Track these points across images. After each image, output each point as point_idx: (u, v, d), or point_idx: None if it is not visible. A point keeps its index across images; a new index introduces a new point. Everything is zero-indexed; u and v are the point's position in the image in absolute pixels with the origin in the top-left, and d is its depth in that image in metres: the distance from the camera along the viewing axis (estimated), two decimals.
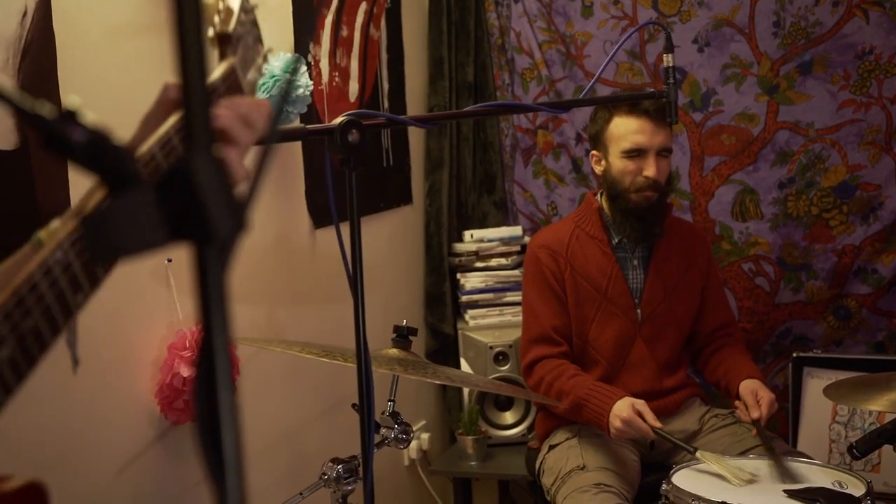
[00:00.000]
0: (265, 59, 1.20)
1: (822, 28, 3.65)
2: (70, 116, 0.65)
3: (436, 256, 4.01)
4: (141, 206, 0.63)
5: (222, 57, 1.10)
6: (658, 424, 2.66)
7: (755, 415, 2.70)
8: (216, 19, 1.11)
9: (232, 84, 1.10)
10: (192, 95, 0.62)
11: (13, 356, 0.74)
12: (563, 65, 4.01)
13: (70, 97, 0.67)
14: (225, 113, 1.01)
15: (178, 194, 0.62)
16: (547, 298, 2.99)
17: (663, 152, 2.91)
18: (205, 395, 0.63)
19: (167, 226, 0.63)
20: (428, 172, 4.04)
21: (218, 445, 0.62)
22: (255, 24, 1.15)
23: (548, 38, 4.01)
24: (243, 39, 1.11)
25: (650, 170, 2.88)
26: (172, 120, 0.96)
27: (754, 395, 2.75)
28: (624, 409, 2.68)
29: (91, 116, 0.66)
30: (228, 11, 1.11)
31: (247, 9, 1.12)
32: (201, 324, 0.62)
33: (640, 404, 2.69)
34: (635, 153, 2.89)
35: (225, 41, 1.10)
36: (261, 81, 2.79)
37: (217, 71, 1.08)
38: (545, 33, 4.01)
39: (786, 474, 2.45)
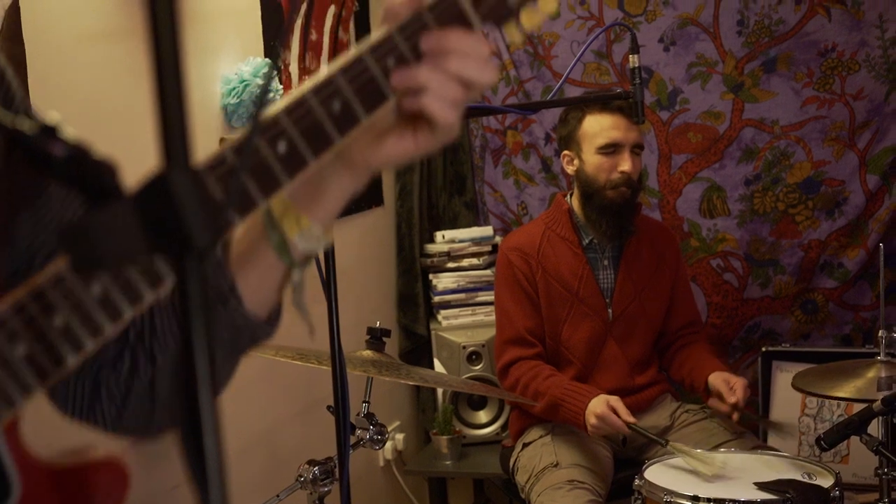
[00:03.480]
0: None
1: (786, 26, 3.70)
2: (50, 132, 0.66)
3: (407, 257, 4.03)
4: (121, 218, 0.64)
5: None
6: (632, 419, 2.69)
7: (732, 400, 2.72)
8: None
9: (447, 11, 0.90)
10: (167, 106, 0.63)
11: (31, 353, 0.78)
12: (531, 65, 4.03)
13: (49, 112, 0.69)
14: (430, 75, 0.89)
15: (156, 207, 0.63)
16: (519, 300, 3.01)
17: (636, 149, 2.94)
18: (186, 402, 0.64)
19: (147, 237, 0.64)
20: (398, 174, 4.06)
21: (200, 453, 0.64)
22: None
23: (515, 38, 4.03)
24: None
25: (626, 164, 2.91)
26: (368, 42, 0.88)
27: (727, 382, 2.77)
28: (598, 405, 2.71)
29: (71, 131, 0.67)
30: None
31: None
32: (183, 333, 0.64)
33: (615, 400, 2.72)
34: (611, 149, 2.92)
35: None
36: (231, 86, 2.81)
37: None
38: None
39: (782, 432, 2.49)
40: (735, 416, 2.76)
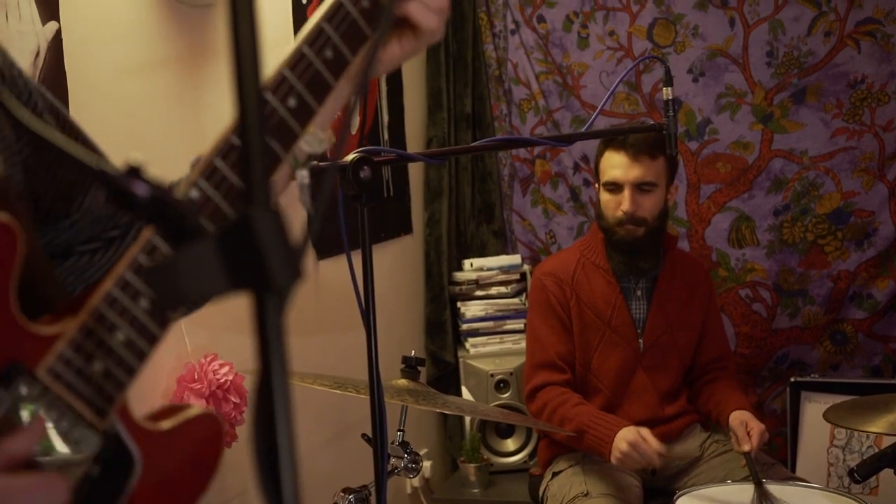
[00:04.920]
0: None
1: (815, 58, 3.72)
2: (133, 172, 0.69)
3: (436, 285, 4.04)
4: (203, 257, 0.66)
5: None
6: (662, 449, 2.68)
7: (746, 447, 2.71)
8: None
9: None
10: (250, 149, 0.66)
11: (129, 338, 0.86)
12: (560, 95, 4.06)
13: (132, 153, 0.71)
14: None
15: (238, 246, 0.66)
16: (552, 325, 3.02)
17: (644, 186, 2.92)
18: (264, 439, 0.66)
19: (228, 276, 0.67)
20: (427, 202, 4.08)
21: (278, 488, 0.66)
22: None
23: (545, 69, 4.07)
24: None
25: (625, 204, 2.91)
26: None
27: (744, 426, 2.76)
28: (630, 433, 2.70)
29: (153, 172, 0.70)
30: None
31: None
32: (260, 368, 0.66)
33: (645, 431, 2.71)
34: (613, 187, 2.93)
35: None
36: None
37: None
38: (542, 64, 4.07)
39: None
40: (742, 464, 2.74)
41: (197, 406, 0.98)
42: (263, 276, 0.65)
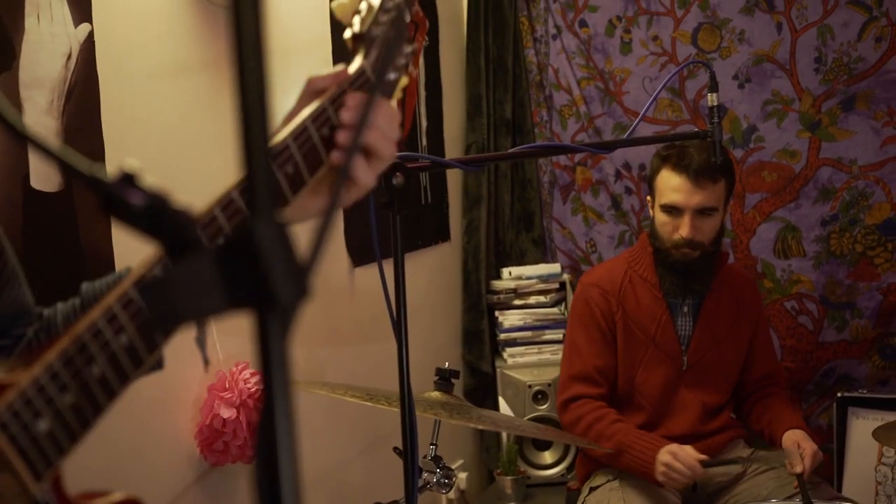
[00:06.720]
0: (408, 58, 1.17)
1: (865, 64, 3.62)
2: (128, 179, 0.64)
3: (474, 294, 3.99)
4: (202, 271, 0.61)
5: (354, 56, 1.11)
6: (702, 456, 2.62)
7: (798, 469, 2.64)
8: (355, 19, 1.11)
9: (362, 85, 1.09)
10: (254, 157, 0.60)
11: (77, 403, 0.80)
12: (602, 101, 3.99)
13: (128, 160, 0.66)
14: (372, 132, 1.04)
15: (240, 261, 0.60)
16: (593, 338, 2.95)
17: (706, 211, 2.84)
18: (265, 463, 0.61)
19: (228, 292, 0.61)
20: (466, 209, 4.03)
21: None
22: (396, 22, 1.12)
23: (586, 74, 4.00)
24: (380, 39, 1.11)
25: (684, 229, 2.82)
26: (307, 111, 1.02)
27: (796, 446, 2.69)
28: (670, 446, 2.65)
29: (150, 179, 0.64)
30: (368, 10, 1.11)
31: (387, 8, 1.12)
32: (263, 389, 0.61)
33: (681, 446, 2.66)
34: (671, 210, 2.85)
35: (359, 41, 1.11)
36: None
37: (351, 67, 1.09)
38: (584, 70, 4.00)
39: None
40: (795, 485, 2.67)
41: (121, 492, 0.94)
42: (266, 293, 0.60)
